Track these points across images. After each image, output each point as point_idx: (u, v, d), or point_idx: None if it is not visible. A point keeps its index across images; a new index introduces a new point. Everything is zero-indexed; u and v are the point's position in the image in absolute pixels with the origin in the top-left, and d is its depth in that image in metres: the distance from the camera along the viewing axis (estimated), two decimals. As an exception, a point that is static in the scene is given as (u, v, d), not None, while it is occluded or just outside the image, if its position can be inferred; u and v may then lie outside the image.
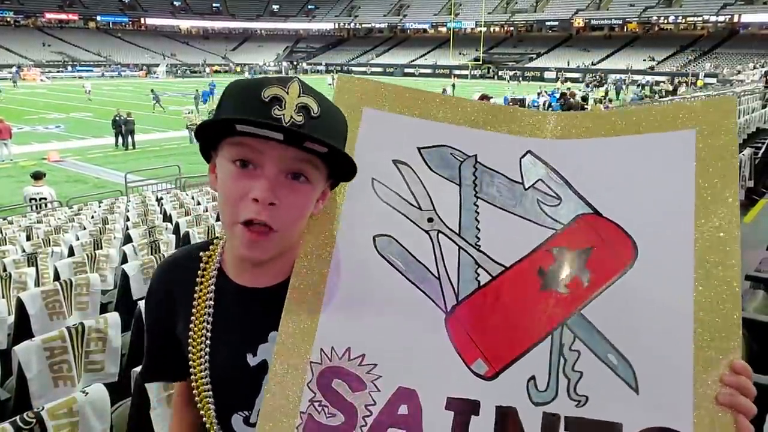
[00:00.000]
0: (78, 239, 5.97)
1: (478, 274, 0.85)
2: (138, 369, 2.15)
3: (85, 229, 6.94)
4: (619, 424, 0.78)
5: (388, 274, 0.86)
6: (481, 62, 54.80)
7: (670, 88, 34.08)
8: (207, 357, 0.93)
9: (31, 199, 9.94)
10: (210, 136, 0.84)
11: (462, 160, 0.90)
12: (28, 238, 6.59)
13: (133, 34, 70.72)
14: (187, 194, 10.13)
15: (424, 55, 64.46)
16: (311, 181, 0.83)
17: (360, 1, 77.04)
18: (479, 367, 0.82)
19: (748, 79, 28.68)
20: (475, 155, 0.90)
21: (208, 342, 0.94)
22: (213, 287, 0.95)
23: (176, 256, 1.03)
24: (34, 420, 1.70)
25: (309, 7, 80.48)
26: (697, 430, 0.75)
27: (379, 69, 59.09)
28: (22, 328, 3.18)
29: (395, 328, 0.84)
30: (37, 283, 4.32)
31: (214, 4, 79.32)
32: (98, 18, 70.69)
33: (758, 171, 6.82)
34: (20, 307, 3.19)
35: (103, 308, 3.83)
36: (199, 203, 8.62)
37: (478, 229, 0.87)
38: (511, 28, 67.08)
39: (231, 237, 0.86)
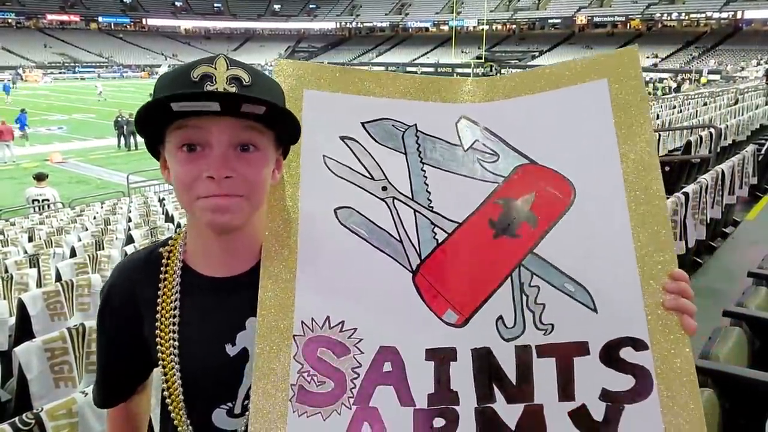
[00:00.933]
0: (80, 240, 5.99)
1: (435, 233, 0.91)
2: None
3: (87, 230, 6.96)
4: (584, 342, 0.86)
5: (354, 242, 0.90)
6: (483, 60, 54.73)
7: (674, 84, 33.93)
8: (177, 359, 0.90)
9: (33, 201, 9.97)
10: (153, 129, 0.83)
11: (403, 130, 0.96)
12: (30, 240, 6.61)
13: (135, 35, 70.94)
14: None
15: (426, 53, 64.44)
16: (260, 148, 0.84)
17: (361, 0, 77.11)
18: (450, 317, 0.88)
19: (752, 76, 28.61)
20: (415, 124, 0.96)
21: (176, 343, 0.90)
22: (179, 285, 0.92)
23: (134, 257, 0.99)
24: (33, 421, 1.69)
25: (310, 6, 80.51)
26: (652, 334, 0.85)
27: (381, 68, 58.85)
28: (23, 329, 3.19)
29: (368, 291, 0.89)
30: (39, 284, 4.33)
31: (215, 4, 79.42)
32: (99, 19, 70.90)
33: (762, 168, 6.78)
34: (21, 308, 3.20)
35: (105, 309, 3.82)
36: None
37: (429, 192, 0.93)
38: (513, 26, 66.99)
39: (195, 214, 0.84)
